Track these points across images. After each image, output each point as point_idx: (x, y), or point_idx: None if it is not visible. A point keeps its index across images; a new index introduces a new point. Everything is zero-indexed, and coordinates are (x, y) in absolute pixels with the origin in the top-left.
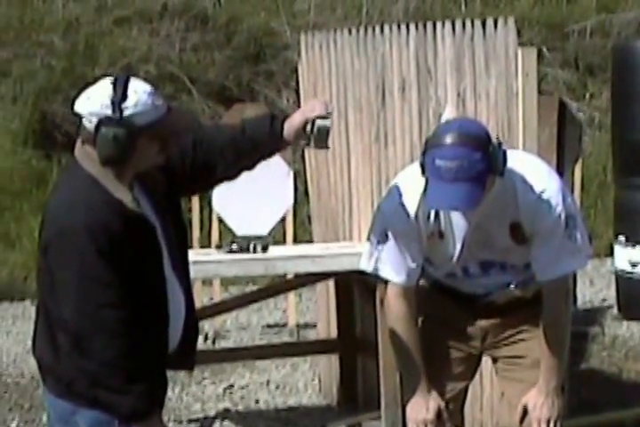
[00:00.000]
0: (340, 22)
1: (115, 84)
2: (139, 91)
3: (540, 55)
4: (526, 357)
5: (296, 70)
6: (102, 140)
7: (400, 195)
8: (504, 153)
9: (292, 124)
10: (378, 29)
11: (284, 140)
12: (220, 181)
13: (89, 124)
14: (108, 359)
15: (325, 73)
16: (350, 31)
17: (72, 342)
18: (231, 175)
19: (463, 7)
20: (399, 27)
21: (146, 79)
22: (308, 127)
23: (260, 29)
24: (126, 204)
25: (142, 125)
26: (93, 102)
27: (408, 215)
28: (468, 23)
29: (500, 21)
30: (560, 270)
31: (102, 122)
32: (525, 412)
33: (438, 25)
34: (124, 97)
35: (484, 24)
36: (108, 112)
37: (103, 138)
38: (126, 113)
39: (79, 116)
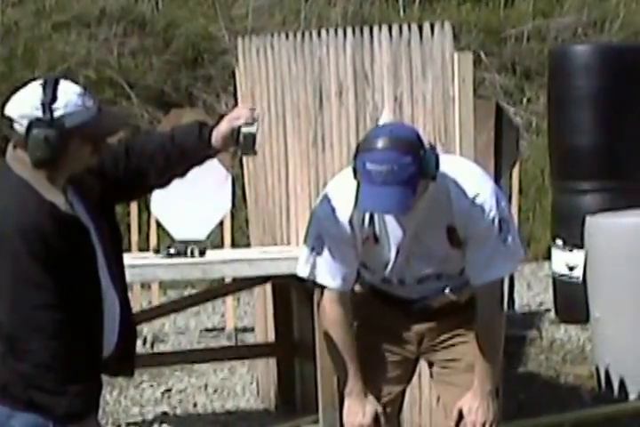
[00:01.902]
0: (278, 27)
1: (44, 85)
2: (68, 92)
3: (477, 60)
4: (461, 360)
5: (234, 75)
6: (33, 142)
7: (334, 199)
8: (436, 157)
9: (219, 132)
10: (315, 34)
11: (212, 148)
12: (152, 188)
13: (20, 127)
14: (42, 361)
15: (263, 77)
16: (287, 35)
17: (7, 344)
18: (162, 182)
19: (401, 12)
20: (336, 31)
21: (85, 84)
22: (235, 135)
23: (198, 34)
24: (59, 206)
25: (73, 126)
26: (23, 105)
27: (342, 220)
28: (405, 28)
29: (437, 26)
30: (493, 274)
31: (33, 124)
32: (461, 416)
33: (375, 29)
34: (54, 98)
35: (420, 29)
36: (39, 114)
37: (34, 140)
38: (56, 114)
39: (10, 120)
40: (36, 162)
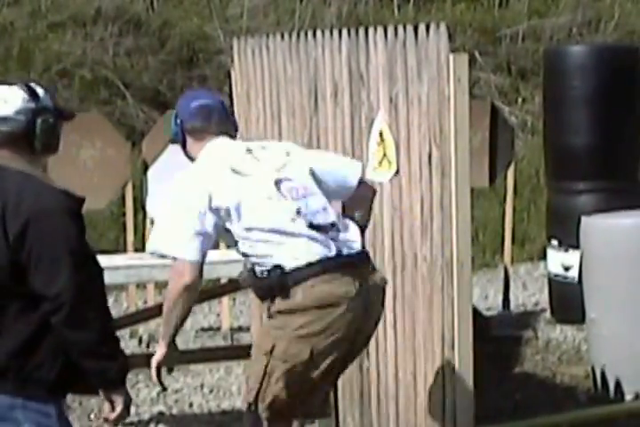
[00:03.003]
0: (273, 27)
1: (15, 84)
2: (31, 84)
3: (472, 60)
4: None
5: (229, 75)
6: (43, 130)
7: None
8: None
9: None
10: (310, 34)
11: None
12: None
13: (15, 123)
14: (101, 328)
15: (258, 78)
16: (283, 36)
17: (65, 314)
18: None
19: (396, 12)
20: (331, 32)
21: (81, 84)
22: None
23: (193, 34)
24: (71, 191)
25: (58, 111)
26: (13, 102)
27: None
28: (400, 28)
29: (432, 27)
30: None
31: (34, 114)
32: None
33: (370, 30)
34: (33, 90)
35: (415, 29)
36: (33, 105)
37: (44, 127)
38: (44, 103)
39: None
40: (46, 147)
